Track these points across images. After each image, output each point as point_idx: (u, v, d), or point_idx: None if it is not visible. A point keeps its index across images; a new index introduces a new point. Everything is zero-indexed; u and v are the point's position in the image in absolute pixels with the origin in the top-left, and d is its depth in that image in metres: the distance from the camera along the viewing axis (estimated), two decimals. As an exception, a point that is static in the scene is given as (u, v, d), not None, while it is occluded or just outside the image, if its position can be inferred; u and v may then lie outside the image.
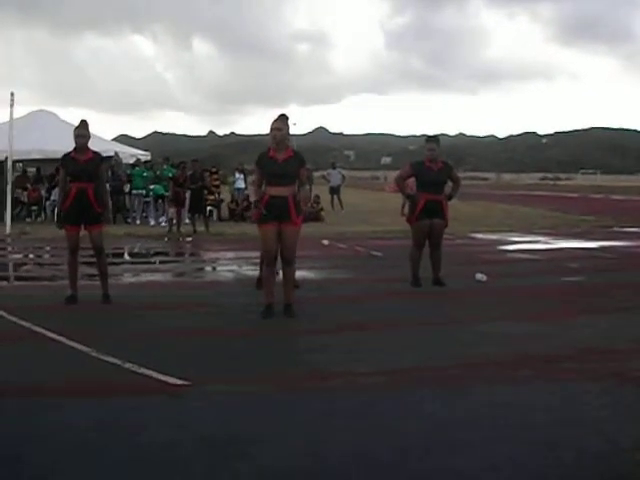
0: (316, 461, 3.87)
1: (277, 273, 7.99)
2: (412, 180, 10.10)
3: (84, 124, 8.54)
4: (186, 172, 18.82)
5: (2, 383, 5.25)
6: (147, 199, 21.80)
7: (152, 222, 20.94)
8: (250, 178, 8.30)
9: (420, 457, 3.93)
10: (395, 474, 3.69)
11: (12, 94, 18.01)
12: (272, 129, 7.61)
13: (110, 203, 18.79)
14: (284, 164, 7.55)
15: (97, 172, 8.45)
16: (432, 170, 9.72)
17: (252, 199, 7.92)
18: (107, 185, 17.06)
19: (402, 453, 3.97)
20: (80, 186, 8.30)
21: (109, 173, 20.40)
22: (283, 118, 7.70)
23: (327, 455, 3.95)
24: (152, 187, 21.34)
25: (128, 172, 22.04)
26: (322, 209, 23.23)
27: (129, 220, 21.38)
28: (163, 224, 20.35)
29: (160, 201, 21.32)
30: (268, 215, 7.52)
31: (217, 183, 23.06)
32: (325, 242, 15.66)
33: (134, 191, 21.75)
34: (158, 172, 21.71)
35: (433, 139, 10.02)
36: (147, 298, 8.97)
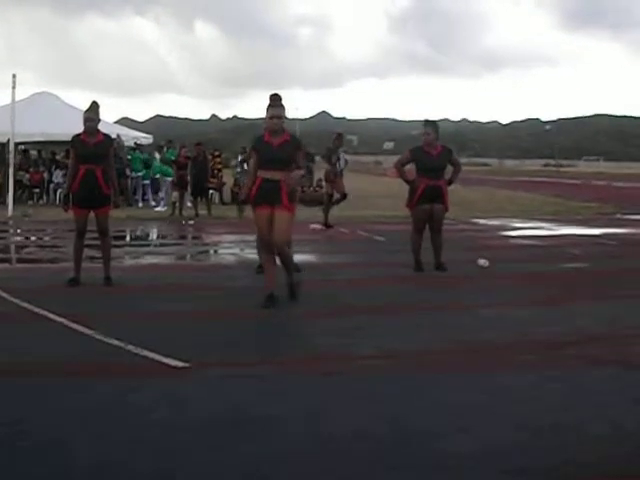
0: (317, 443, 3.87)
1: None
2: (412, 165, 10.06)
3: (94, 107, 8.47)
4: (187, 154, 18.77)
5: (4, 364, 5.25)
6: (145, 182, 21.79)
7: (158, 207, 20.82)
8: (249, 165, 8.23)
9: (421, 441, 3.93)
10: (396, 457, 3.69)
11: (14, 76, 17.96)
12: (271, 117, 7.47)
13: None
14: (279, 149, 7.45)
15: (107, 155, 8.42)
16: (431, 155, 9.68)
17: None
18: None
19: (403, 436, 3.97)
20: (88, 168, 8.27)
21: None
22: (278, 101, 7.53)
23: (328, 437, 3.95)
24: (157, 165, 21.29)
25: (129, 157, 22.01)
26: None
27: (131, 203, 21.36)
28: (158, 208, 20.32)
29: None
30: (259, 198, 7.48)
31: (219, 167, 23.02)
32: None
33: (133, 174, 21.74)
34: (160, 156, 21.64)
35: (430, 123, 9.96)
36: (149, 281, 8.98)
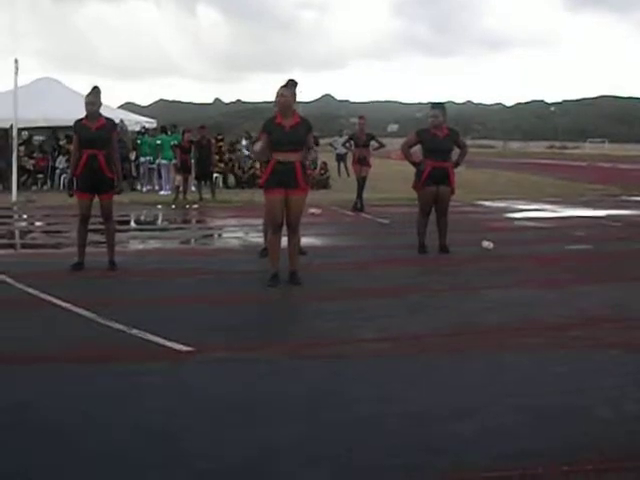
0: (321, 427, 3.88)
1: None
2: (418, 147, 10.05)
3: (95, 91, 8.48)
4: (191, 138, 18.73)
5: (9, 349, 5.28)
6: (152, 166, 21.74)
7: (162, 191, 20.73)
8: (257, 145, 8.23)
9: (424, 422, 3.94)
10: (399, 439, 3.70)
11: (16, 61, 17.88)
12: (277, 95, 7.58)
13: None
14: (291, 131, 7.52)
15: (109, 139, 8.41)
16: (438, 137, 9.67)
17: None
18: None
19: (406, 418, 3.98)
20: (91, 153, 8.27)
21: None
22: (290, 84, 7.66)
23: (331, 421, 3.96)
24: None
25: (138, 141, 21.93)
26: (329, 177, 23.19)
27: (135, 187, 21.33)
28: (162, 192, 20.29)
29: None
30: (273, 181, 7.52)
31: (223, 150, 22.97)
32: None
33: (141, 158, 21.69)
34: (159, 141, 21.52)
35: (437, 106, 9.95)
36: (153, 265, 8.98)
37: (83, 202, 8.41)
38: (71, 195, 8.61)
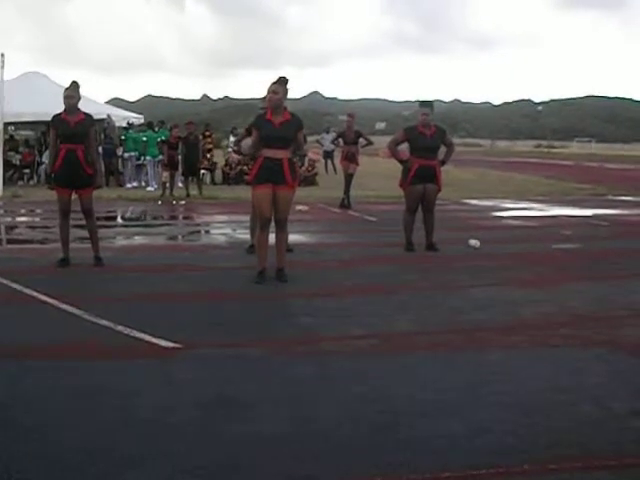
0: (310, 424, 3.87)
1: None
2: (405, 145, 10.06)
3: (74, 85, 8.46)
4: (179, 134, 18.68)
5: (-7, 345, 5.23)
6: (138, 162, 21.65)
7: (149, 187, 20.67)
8: (246, 140, 8.27)
9: (412, 421, 3.93)
10: (388, 438, 3.69)
11: (2, 55, 17.79)
12: (268, 92, 7.57)
13: (102, 166, 18.67)
14: (281, 128, 7.52)
15: (88, 134, 8.37)
16: (425, 135, 9.68)
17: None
18: (99, 148, 16.94)
19: (395, 417, 3.97)
20: (70, 148, 8.23)
21: (102, 136, 20.23)
22: (281, 81, 7.64)
23: (320, 418, 3.95)
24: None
25: (123, 137, 21.82)
26: (317, 174, 23.18)
27: (122, 183, 21.24)
28: (149, 188, 20.22)
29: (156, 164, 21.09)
30: (262, 177, 7.52)
31: (210, 147, 22.92)
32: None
33: (126, 154, 21.59)
34: (145, 138, 21.43)
35: (427, 104, 9.97)
36: (140, 261, 8.95)
37: (62, 197, 8.37)
38: (51, 189, 8.55)
